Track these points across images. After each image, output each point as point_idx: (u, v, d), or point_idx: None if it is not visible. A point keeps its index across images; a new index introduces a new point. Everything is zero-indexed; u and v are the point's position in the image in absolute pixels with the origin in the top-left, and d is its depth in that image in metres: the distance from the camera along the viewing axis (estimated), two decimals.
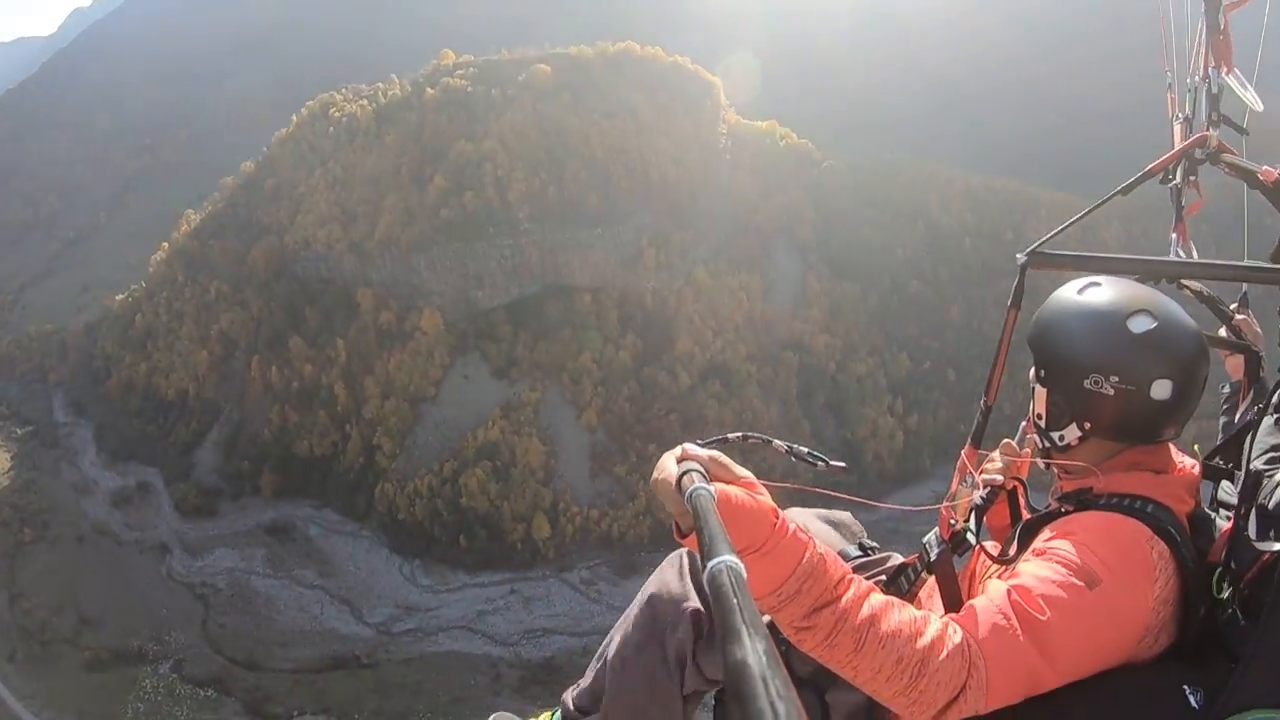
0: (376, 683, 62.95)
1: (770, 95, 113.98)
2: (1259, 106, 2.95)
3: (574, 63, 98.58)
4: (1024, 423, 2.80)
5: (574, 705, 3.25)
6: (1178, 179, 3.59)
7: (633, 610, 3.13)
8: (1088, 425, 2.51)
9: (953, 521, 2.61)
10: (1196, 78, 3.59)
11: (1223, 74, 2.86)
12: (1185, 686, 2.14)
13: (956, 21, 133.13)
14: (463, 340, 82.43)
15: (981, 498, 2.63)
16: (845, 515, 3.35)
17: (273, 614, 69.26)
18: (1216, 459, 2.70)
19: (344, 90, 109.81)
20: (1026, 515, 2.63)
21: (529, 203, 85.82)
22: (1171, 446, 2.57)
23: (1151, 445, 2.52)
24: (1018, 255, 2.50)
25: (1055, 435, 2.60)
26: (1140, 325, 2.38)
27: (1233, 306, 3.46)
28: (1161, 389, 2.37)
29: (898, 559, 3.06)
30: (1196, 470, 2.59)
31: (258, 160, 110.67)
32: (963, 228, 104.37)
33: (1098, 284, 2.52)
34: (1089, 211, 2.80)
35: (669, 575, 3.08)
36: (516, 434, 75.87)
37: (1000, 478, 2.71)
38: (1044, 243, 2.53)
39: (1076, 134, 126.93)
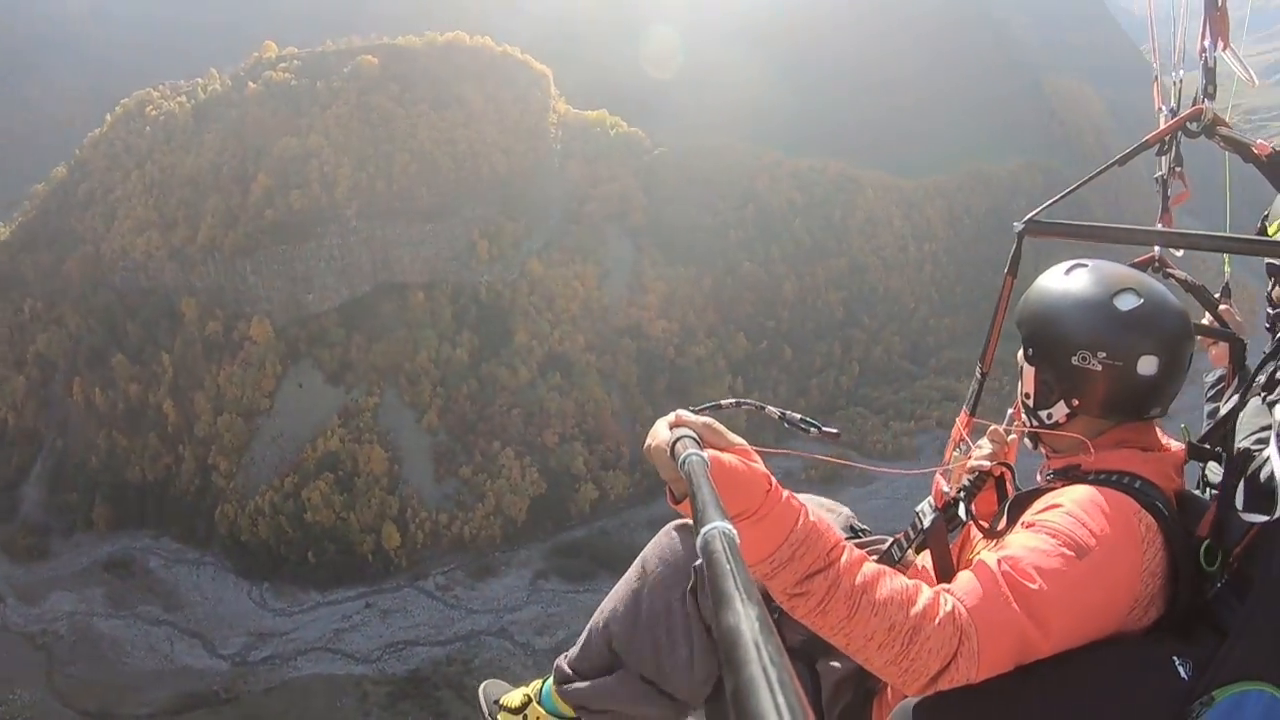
0: (240, 718, 60.89)
1: (603, 84, 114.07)
2: (1254, 82, 3.13)
3: (401, 53, 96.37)
4: (1010, 409, 2.96)
5: (569, 669, 3.32)
6: (1164, 170, 3.77)
7: (626, 577, 3.26)
8: (1076, 402, 2.63)
9: (946, 490, 2.77)
10: (1181, 74, 3.78)
11: (1219, 49, 2.97)
12: (1175, 657, 2.22)
13: (786, 9, 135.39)
14: (294, 347, 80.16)
15: (969, 480, 2.76)
16: (833, 503, 3.44)
17: (121, 657, 65.63)
18: (1204, 444, 2.80)
19: (161, 86, 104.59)
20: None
21: (357, 199, 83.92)
22: (1159, 429, 2.74)
23: (1138, 423, 2.65)
24: (1015, 224, 2.62)
25: (1043, 414, 2.72)
26: (1127, 303, 2.52)
27: (1216, 295, 3.61)
28: (1148, 365, 2.49)
29: (888, 540, 3.10)
30: (1183, 450, 2.72)
31: (69, 164, 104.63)
32: (792, 208, 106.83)
33: (1084, 265, 2.68)
34: (1084, 182, 2.93)
35: (664, 541, 3.20)
36: (357, 441, 74.67)
37: (988, 463, 2.84)
38: (1040, 212, 2.69)
39: (889, 114, 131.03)
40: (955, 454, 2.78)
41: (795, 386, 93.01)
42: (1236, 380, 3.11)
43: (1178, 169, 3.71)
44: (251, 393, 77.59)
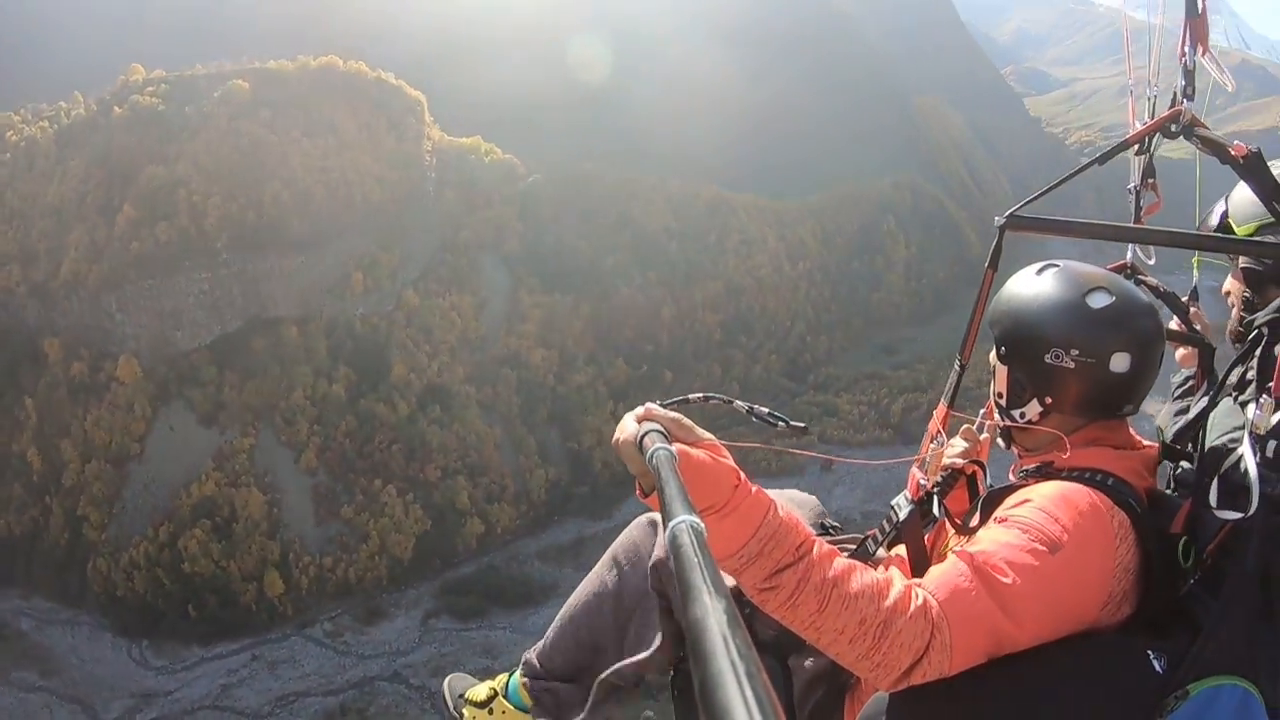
0: None
1: (480, 109, 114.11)
2: (1231, 87, 3.19)
3: (273, 77, 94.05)
4: (983, 410, 3.05)
5: (538, 662, 3.41)
6: (1137, 180, 3.85)
7: (596, 570, 3.35)
8: (1049, 400, 2.68)
9: (923, 481, 2.78)
10: (1155, 91, 3.84)
11: (1199, 54, 3.04)
12: (1149, 650, 2.26)
13: (659, 37, 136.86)
14: (164, 388, 77.43)
15: (941, 478, 2.82)
16: (808, 497, 3.51)
17: None
18: (1176, 444, 2.87)
19: (21, 110, 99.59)
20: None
21: (227, 230, 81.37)
22: (1132, 429, 2.80)
23: (1111, 420, 2.72)
24: (996, 218, 2.64)
25: (1016, 413, 2.78)
26: (1099, 301, 2.59)
27: (1185, 299, 3.63)
28: (1120, 362, 2.56)
29: (858, 538, 3.11)
30: (1155, 449, 2.80)
31: None
32: (667, 232, 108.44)
33: (1056, 265, 2.76)
34: (1065, 179, 2.94)
35: (634, 535, 3.28)
36: (234, 485, 72.48)
37: (960, 462, 2.91)
38: (1020, 207, 2.70)
39: (765, 139, 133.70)
40: (932, 446, 2.85)
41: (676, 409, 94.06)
42: (1205, 384, 3.19)
43: (1150, 180, 3.83)
44: (121, 437, 74.60)
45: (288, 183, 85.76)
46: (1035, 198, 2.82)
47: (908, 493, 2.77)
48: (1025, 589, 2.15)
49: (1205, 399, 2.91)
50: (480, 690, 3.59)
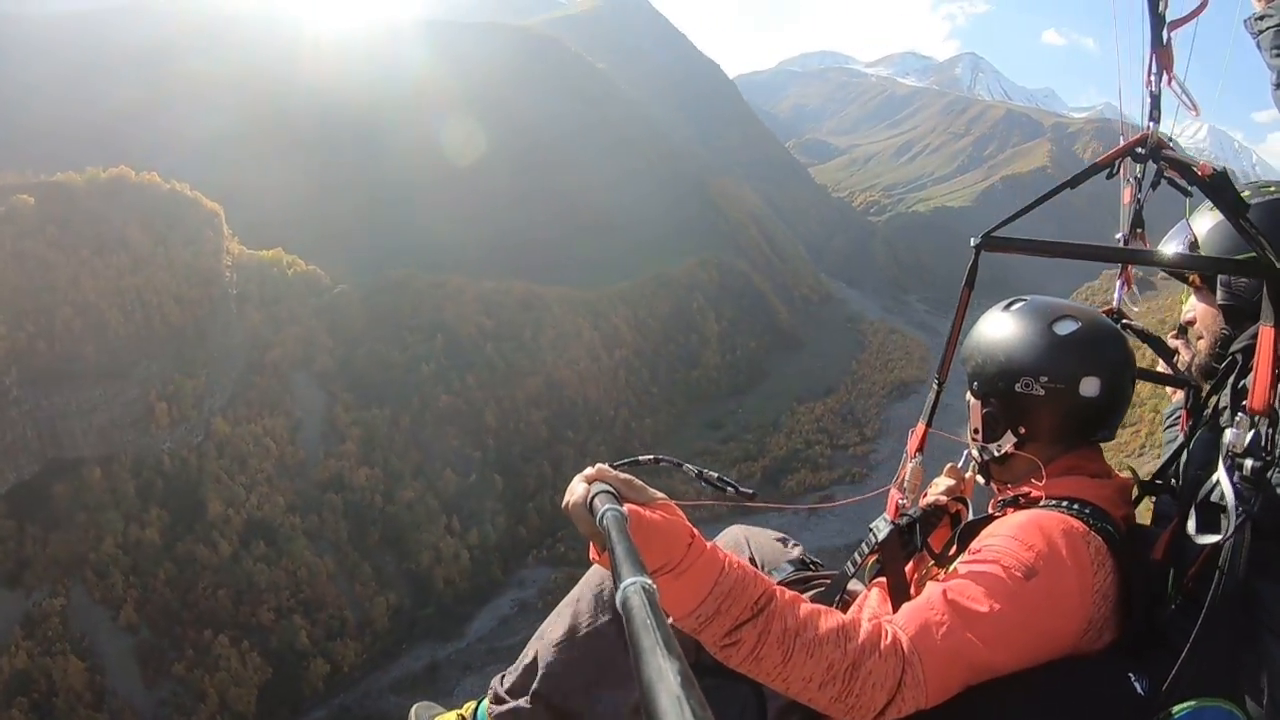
0: None
1: (277, 220, 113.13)
2: (1197, 110, 3.21)
3: (60, 191, 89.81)
4: (966, 451, 3.05)
5: (505, 690, 3.27)
6: (1126, 230, 3.84)
7: (560, 609, 3.20)
8: (1022, 430, 2.74)
9: (902, 502, 2.79)
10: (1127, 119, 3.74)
11: (1165, 82, 3.11)
12: (1130, 673, 2.27)
13: (459, 139, 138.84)
14: None
15: (923, 512, 2.86)
16: (785, 538, 3.45)
17: None
18: (1156, 479, 2.90)
19: None
20: None
21: (17, 363, 76.53)
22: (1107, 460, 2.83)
23: (1085, 449, 2.76)
24: (971, 239, 2.61)
25: (993, 447, 2.82)
26: (1065, 328, 2.68)
27: (1170, 334, 3.58)
28: (1090, 386, 2.63)
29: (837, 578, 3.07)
30: (1130, 480, 2.82)
31: None
32: (482, 332, 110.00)
33: (1023, 300, 2.84)
34: (1037, 202, 2.91)
35: (596, 577, 3.12)
36: (48, 654, 66.97)
37: (944, 499, 2.99)
38: (996, 229, 2.67)
39: (570, 230, 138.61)
40: (911, 465, 2.84)
41: (513, 514, 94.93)
42: (1191, 422, 3.05)
43: (1139, 230, 3.85)
44: None
45: (80, 308, 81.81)
46: (1010, 220, 2.84)
47: (886, 514, 2.80)
48: (1000, 616, 2.21)
49: (1180, 436, 3.03)
50: (449, 718, 3.54)
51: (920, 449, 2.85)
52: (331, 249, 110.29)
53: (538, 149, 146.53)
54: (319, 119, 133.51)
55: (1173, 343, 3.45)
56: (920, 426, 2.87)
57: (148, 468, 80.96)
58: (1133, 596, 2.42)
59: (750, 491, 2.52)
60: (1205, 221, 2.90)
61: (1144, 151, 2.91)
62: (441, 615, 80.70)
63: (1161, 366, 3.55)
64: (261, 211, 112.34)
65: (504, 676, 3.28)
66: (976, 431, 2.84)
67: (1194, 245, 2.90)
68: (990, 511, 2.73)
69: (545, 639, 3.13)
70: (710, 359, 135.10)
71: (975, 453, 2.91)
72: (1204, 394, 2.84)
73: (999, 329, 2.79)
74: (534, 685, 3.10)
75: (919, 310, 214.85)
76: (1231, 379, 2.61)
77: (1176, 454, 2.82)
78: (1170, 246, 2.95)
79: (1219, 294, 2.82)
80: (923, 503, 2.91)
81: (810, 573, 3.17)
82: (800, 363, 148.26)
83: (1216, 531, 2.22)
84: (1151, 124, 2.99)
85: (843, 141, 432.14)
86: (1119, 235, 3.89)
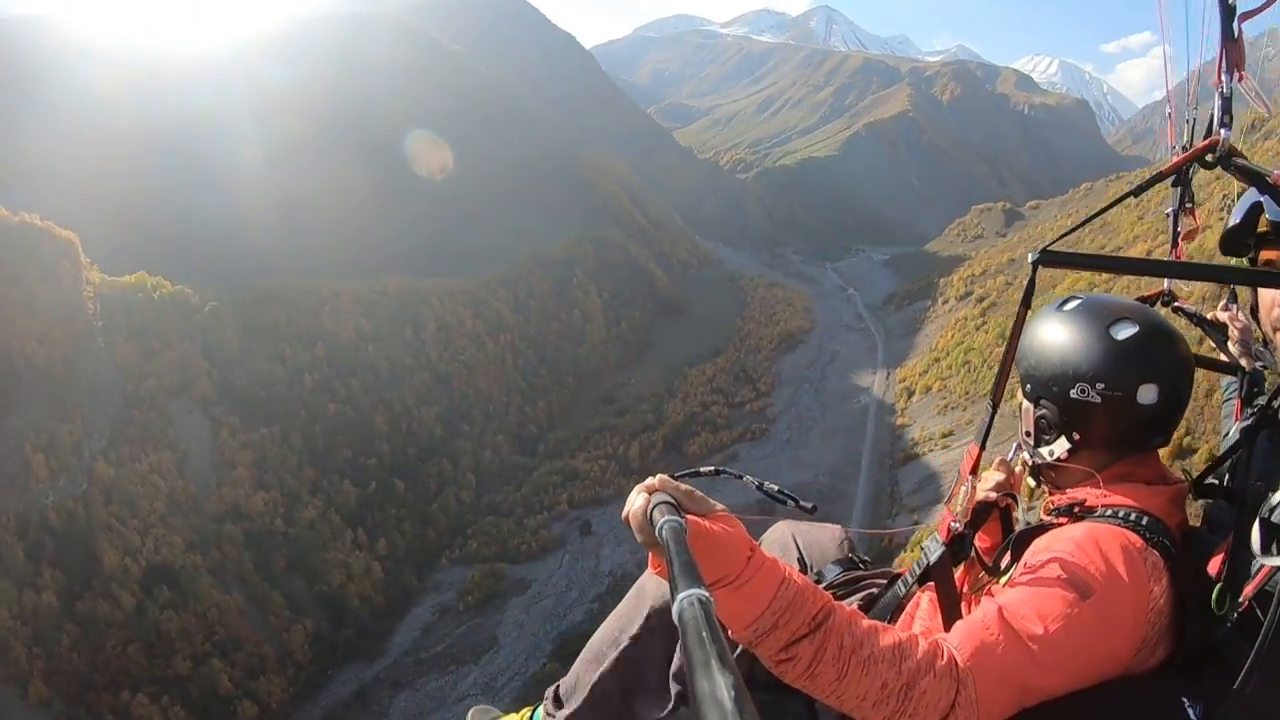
0: None
1: (131, 242, 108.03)
2: (1269, 111, 3.15)
3: None
4: (1016, 443, 3.04)
5: (554, 699, 3.39)
6: (1176, 204, 3.78)
7: (621, 606, 3.33)
8: (1076, 436, 2.71)
9: (954, 524, 2.70)
10: (1195, 111, 3.72)
11: (1236, 80, 2.94)
12: (1184, 699, 2.23)
13: (321, 132, 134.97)
14: None
15: (973, 512, 2.80)
16: (834, 530, 3.55)
17: None
18: (1209, 478, 2.85)
19: None
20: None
21: None
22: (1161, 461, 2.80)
23: (1141, 455, 2.73)
24: (1029, 255, 2.51)
25: (1045, 450, 2.82)
26: (1123, 332, 2.62)
27: (1220, 306, 3.60)
28: (1148, 394, 2.57)
29: (884, 577, 3.19)
30: (1185, 484, 2.77)
31: None
32: (362, 335, 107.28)
33: (1078, 299, 2.78)
34: (1101, 212, 2.95)
35: (651, 585, 3.23)
36: None
37: (994, 495, 2.94)
38: (1055, 242, 2.56)
39: (448, 223, 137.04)
40: (964, 489, 2.75)
41: (418, 518, 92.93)
42: (1251, 420, 2.95)
43: (1189, 204, 3.80)
44: None
45: None
46: (1072, 230, 2.88)
47: (938, 534, 2.75)
48: (1055, 638, 2.19)
49: (1238, 430, 3.00)
50: None
51: (974, 470, 2.66)
52: (195, 266, 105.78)
53: (399, 141, 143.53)
54: (163, 131, 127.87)
55: (1220, 316, 3.53)
56: (973, 448, 2.66)
57: (34, 526, 76.07)
58: (1187, 612, 2.38)
59: (811, 506, 2.54)
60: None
61: (1213, 159, 2.69)
62: (361, 634, 78.52)
63: (1214, 350, 3.54)
64: (115, 235, 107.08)
65: (558, 686, 3.41)
66: (1028, 434, 2.84)
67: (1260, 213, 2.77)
68: (1044, 518, 2.69)
69: (591, 651, 3.26)
70: (596, 334, 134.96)
71: (1027, 455, 2.90)
72: (1271, 395, 2.72)
73: (1054, 331, 2.75)
74: (581, 699, 3.25)
75: (795, 261, 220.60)
76: None
77: (1231, 452, 2.77)
78: (1236, 217, 2.82)
79: None
80: (971, 501, 2.71)
81: (860, 573, 3.23)
82: (686, 327, 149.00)
83: (1277, 553, 2.21)
84: (1223, 131, 2.68)
85: (704, 103, 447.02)
86: (1169, 210, 3.82)
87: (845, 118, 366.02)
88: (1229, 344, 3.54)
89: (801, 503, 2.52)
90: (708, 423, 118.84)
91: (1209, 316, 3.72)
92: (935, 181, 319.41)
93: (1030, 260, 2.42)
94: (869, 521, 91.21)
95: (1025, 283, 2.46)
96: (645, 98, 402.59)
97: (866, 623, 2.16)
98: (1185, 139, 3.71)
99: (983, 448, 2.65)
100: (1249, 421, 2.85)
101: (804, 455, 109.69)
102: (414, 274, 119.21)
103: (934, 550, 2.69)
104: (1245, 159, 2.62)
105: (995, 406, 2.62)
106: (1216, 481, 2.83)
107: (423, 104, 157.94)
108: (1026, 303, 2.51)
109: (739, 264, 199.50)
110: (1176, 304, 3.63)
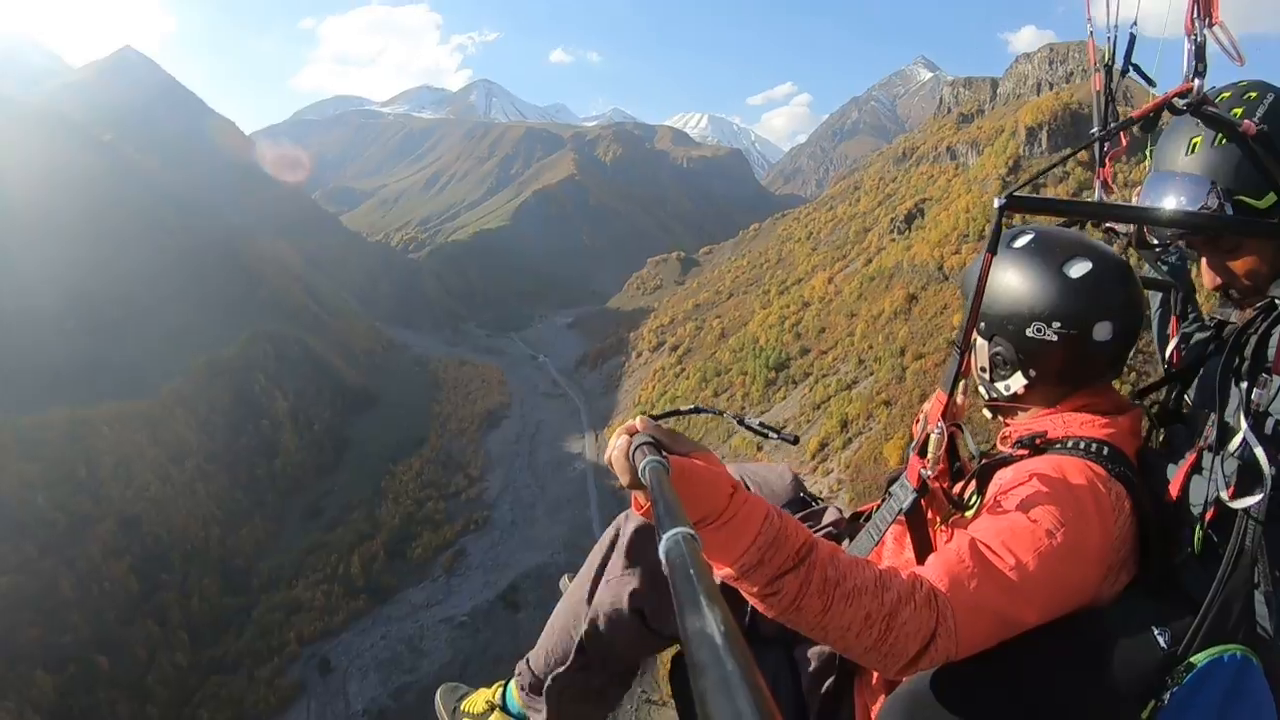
0: None
1: None
2: (1242, 61, 2.75)
3: None
4: (966, 378, 2.91)
5: (533, 669, 3.39)
6: (1099, 128, 3.51)
7: (579, 574, 3.32)
8: (1033, 373, 2.73)
9: (923, 471, 2.56)
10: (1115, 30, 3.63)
11: (1209, 25, 2.63)
12: (1154, 627, 2.27)
13: None
14: None
15: (938, 465, 2.61)
16: (783, 470, 3.53)
17: None
18: (1157, 401, 2.87)
19: None
20: (966, 459, 2.88)
21: None
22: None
23: (1097, 386, 2.74)
24: (995, 199, 2.30)
25: (1001, 385, 2.82)
26: (1077, 269, 2.62)
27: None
28: (1103, 330, 2.60)
29: (834, 512, 3.25)
30: (1139, 410, 2.78)
31: None
32: (27, 483, 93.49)
33: (1029, 233, 2.76)
34: (1063, 159, 2.87)
35: (626, 525, 3.19)
36: None
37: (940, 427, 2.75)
38: (1019, 187, 2.38)
39: (105, 335, 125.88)
40: (934, 436, 2.55)
41: (133, 697, 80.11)
42: (1180, 330, 3.13)
43: (1113, 123, 3.45)
44: None
45: None
46: (1035, 178, 2.79)
47: (908, 480, 2.60)
48: (1026, 572, 2.20)
49: (1176, 348, 3.03)
50: (478, 701, 3.66)
51: (942, 417, 2.61)
52: None
53: (38, 244, 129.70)
54: None
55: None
56: (941, 395, 2.65)
57: None
58: (1148, 539, 2.48)
59: (795, 437, 2.61)
60: (1198, 153, 2.65)
61: (1184, 106, 2.62)
62: None
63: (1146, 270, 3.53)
64: None
65: (528, 659, 3.47)
66: (984, 370, 2.91)
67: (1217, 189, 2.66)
68: (1004, 449, 2.74)
69: (555, 617, 3.37)
70: (289, 442, 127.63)
71: (983, 390, 2.99)
72: (1236, 331, 2.62)
73: (1007, 268, 2.78)
74: (551, 671, 3.34)
75: (480, 336, 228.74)
76: (1267, 324, 2.52)
77: (1178, 376, 2.87)
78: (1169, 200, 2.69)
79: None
80: (944, 448, 2.65)
81: (814, 508, 3.34)
82: (382, 420, 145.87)
83: (1250, 493, 2.27)
84: (1197, 79, 2.61)
85: (370, 184, 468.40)
86: (1094, 131, 3.57)
87: (513, 187, 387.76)
88: (1159, 262, 3.50)
89: (783, 434, 2.58)
90: (426, 520, 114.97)
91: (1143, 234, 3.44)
92: (607, 239, 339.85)
93: (996, 205, 2.34)
94: None
95: (992, 229, 2.39)
96: (309, 183, 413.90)
97: (847, 556, 2.20)
98: (1107, 58, 3.62)
99: (951, 395, 2.62)
100: (1199, 338, 2.92)
101: (534, 535, 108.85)
102: (78, 400, 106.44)
103: (905, 496, 2.61)
104: (1216, 107, 2.55)
105: (963, 354, 2.56)
106: (1168, 403, 2.84)
107: (70, 200, 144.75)
108: (992, 248, 2.43)
109: (424, 345, 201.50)
110: (1108, 225, 3.46)
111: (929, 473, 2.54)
